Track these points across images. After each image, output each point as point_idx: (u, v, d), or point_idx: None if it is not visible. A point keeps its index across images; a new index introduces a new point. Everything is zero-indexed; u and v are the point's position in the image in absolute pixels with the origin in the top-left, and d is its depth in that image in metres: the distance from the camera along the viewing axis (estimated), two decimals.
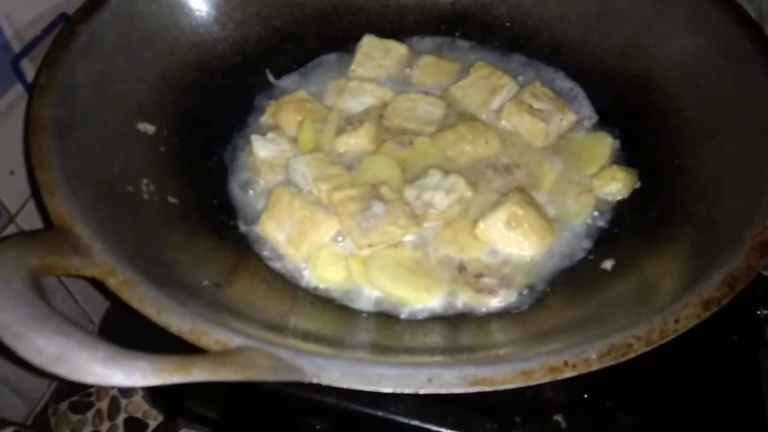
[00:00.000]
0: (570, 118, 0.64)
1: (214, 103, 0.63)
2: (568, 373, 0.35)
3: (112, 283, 0.37)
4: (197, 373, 0.29)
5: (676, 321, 0.37)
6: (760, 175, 0.46)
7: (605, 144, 0.62)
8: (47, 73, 0.49)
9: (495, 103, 0.66)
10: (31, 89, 0.57)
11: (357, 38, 0.71)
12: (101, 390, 0.74)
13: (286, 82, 0.69)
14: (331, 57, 0.72)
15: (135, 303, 0.37)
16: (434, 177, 0.59)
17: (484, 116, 0.66)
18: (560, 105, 0.64)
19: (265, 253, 0.55)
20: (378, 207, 0.55)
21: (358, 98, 0.67)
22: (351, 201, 0.55)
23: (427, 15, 0.73)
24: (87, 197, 0.43)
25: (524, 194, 0.57)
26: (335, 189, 0.56)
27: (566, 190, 0.59)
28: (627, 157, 0.62)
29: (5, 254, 0.32)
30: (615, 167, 0.60)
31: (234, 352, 0.33)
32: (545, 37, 0.70)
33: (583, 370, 0.35)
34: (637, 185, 0.59)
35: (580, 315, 0.46)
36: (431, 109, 0.66)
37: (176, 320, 0.36)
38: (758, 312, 0.66)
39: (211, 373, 0.29)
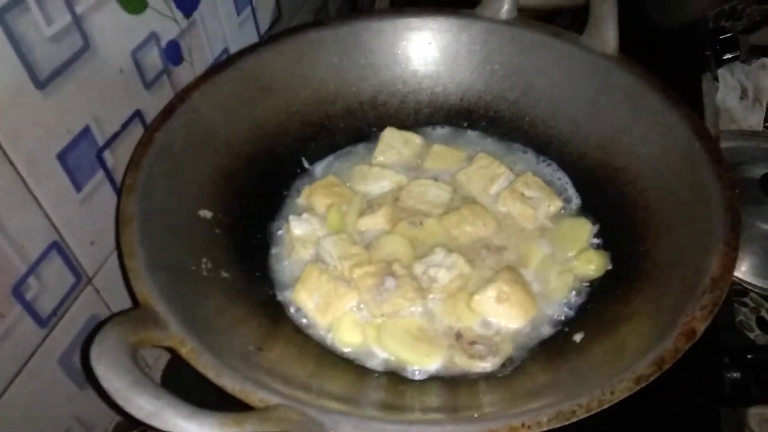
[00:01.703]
0: (557, 204, 0.75)
1: (259, 188, 0.75)
2: None
3: (183, 351, 0.48)
4: (248, 426, 0.40)
5: (612, 393, 0.46)
6: (699, 271, 0.54)
7: (585, 229, 0.72)
8: (131, 175, 0.60)
9: (493, 190, 0.77)
10: (111, 177, 0.67)
11: (380, 129, 0.83)
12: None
13: (319, 167, 0.82)
14: (358, 146, 0.84)
15: (200, 368, 0.48)
16: (439, 255, 0.70)
17: (484, 200, 0.77)
18: (548, 193, 0.75)
19: (297, 321, 0.66)
20: (390, 282, 0.67)
21: (379, 182, 0.79)
22: (368, 276, 0.67)
23: (439, 109, 0.85)
24: (163, 279, 0.53)
25: (513, 273, 0.67)
26: (355, 266, 0.68)
27: (550, 269, 0.69)
28: (603, 241, 0.71)
29: (113, 333, 0.44)
30: (591, 251, 0.70)
31: (273, 409, 0.45)
32: (539, 130, 0.81)
33: (536, 430, 0.45)
34: (609, 267, 0.68)
35: (550, 382, 0.56)
36: (440, 193, 0.78)
37: (230, 382, 0.47)
38: (727, 375, 0.75)
39: (258, 426, 0.41)
